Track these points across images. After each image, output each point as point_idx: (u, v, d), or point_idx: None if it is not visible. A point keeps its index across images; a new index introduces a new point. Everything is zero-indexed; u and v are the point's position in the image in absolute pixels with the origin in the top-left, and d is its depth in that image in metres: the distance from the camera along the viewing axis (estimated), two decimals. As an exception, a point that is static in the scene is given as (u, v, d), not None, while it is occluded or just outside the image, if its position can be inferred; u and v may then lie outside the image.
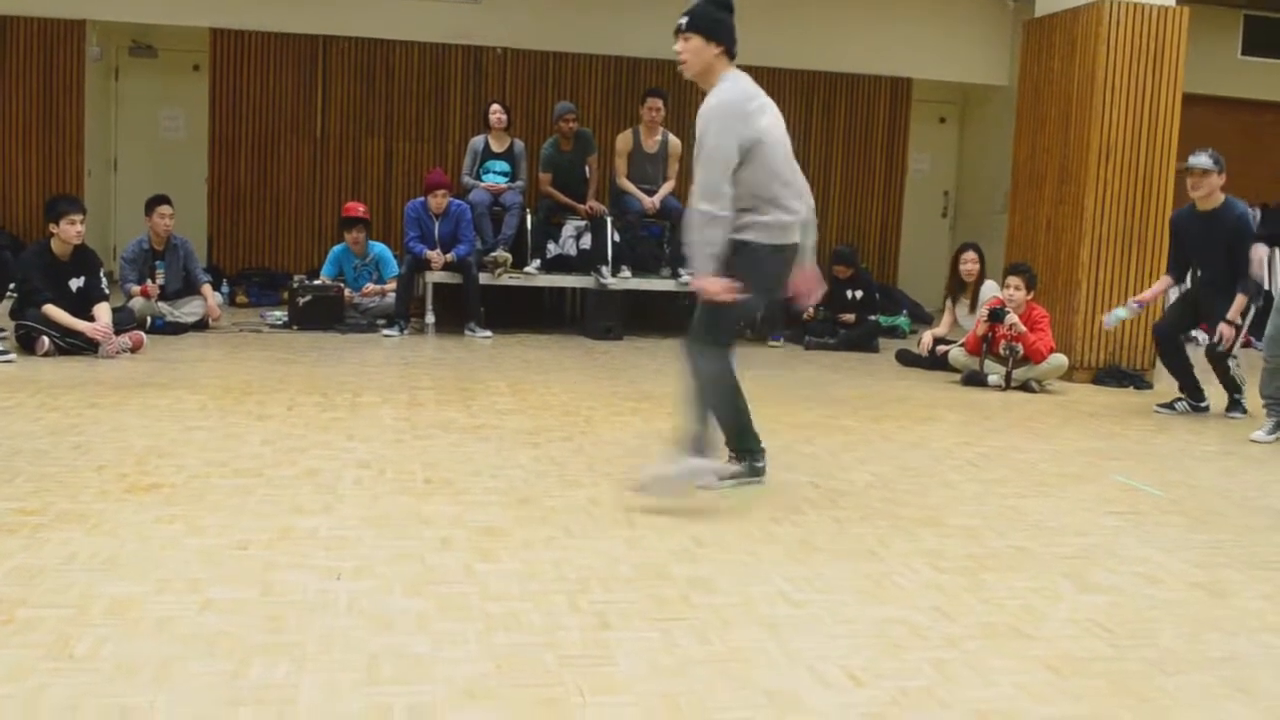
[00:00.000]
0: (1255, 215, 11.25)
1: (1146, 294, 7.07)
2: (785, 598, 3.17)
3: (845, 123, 12.20)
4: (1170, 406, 6.87)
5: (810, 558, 3.56)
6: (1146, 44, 8.00)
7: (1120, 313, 6.94)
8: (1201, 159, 6.67)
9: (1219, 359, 6.63)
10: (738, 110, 4.14)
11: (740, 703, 2.48)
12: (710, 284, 4.01)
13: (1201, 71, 9.93)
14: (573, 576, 3.24)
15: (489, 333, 8.76)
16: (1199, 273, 6.91)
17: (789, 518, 4.02)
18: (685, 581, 3.25)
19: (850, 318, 9.39)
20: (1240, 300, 6.51)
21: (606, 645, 2.75)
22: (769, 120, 4.26)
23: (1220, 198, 6.65)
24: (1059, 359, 7.53)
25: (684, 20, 4.25)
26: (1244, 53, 12.14)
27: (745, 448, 4.30)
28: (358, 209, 9.23)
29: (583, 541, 3.59)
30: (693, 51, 4.24)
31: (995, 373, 7.50)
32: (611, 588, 3.17)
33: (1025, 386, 7.48)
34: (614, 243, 9.48)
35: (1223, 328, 6.53)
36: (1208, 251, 6.70)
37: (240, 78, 10.93)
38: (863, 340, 9.19)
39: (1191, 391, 6.85)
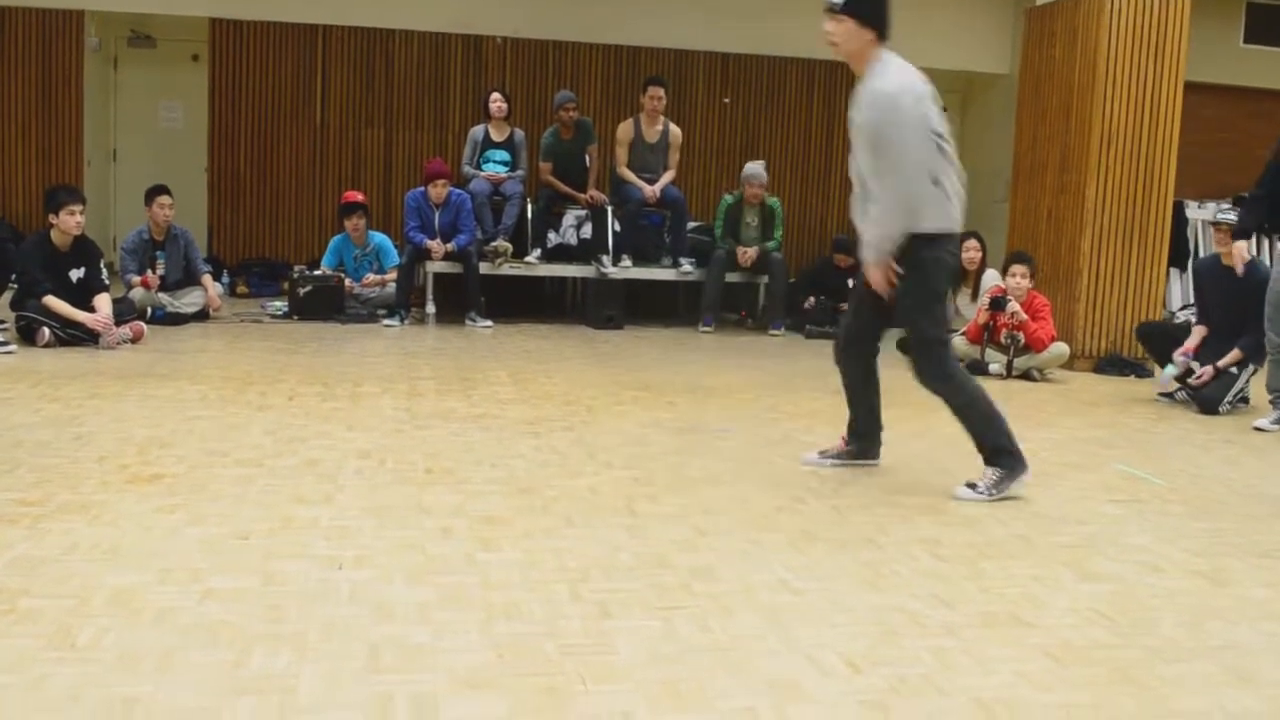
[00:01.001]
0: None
1: (1189, 345, 6.84)
2: (785, 586, 3.17)
3: (846, 112, 12.15)
4: (1170, 395, 6.87)
5: (811, 546, 3.56)
6: (1148, 32, 7.98)
7: (1170, 370, 6.86)
8: (1230, 216, 6.72)
9: (1210, 402, 6.53)
10: (918, 91, 4.09)
11: (740, 690, 2.49)
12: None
13: (1203, 60, 9.91)
14: (574, 566, 3.24)
15: (490, 322, 8.76)
16: (1208, 318, 6.85)
17: (790, 506, 4.02)
18: (686, 570, 3.25)
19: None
20: (1237, 354, 6.51)
21: (607, 634, 2.75)
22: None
23: (1246, 256, 6.64)
24: (1060, 348, 7.54)
25: (837, 1, 4.12)
26: (1246, 41, 12.10)
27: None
28: (357, 196, 9.23)
29: (584, 531, 3.60)
30: (845, 35, 4.15)
31: (997, 361, 7.50)
32: (612, 577, 3.17)
33: (1026, 375, 7.49)
34: (615, 232, 9.49)
35: (1206, 369, 6.52)
36: (1227, 304, 6.68)
37: (239, 68, 10.91)
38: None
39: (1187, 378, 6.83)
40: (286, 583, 2.99)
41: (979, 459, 4.30)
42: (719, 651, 2.69)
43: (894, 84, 4.10)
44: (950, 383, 4.30)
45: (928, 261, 4.18)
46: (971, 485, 4.24)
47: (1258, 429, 6.05)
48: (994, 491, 4.20)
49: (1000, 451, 4.25)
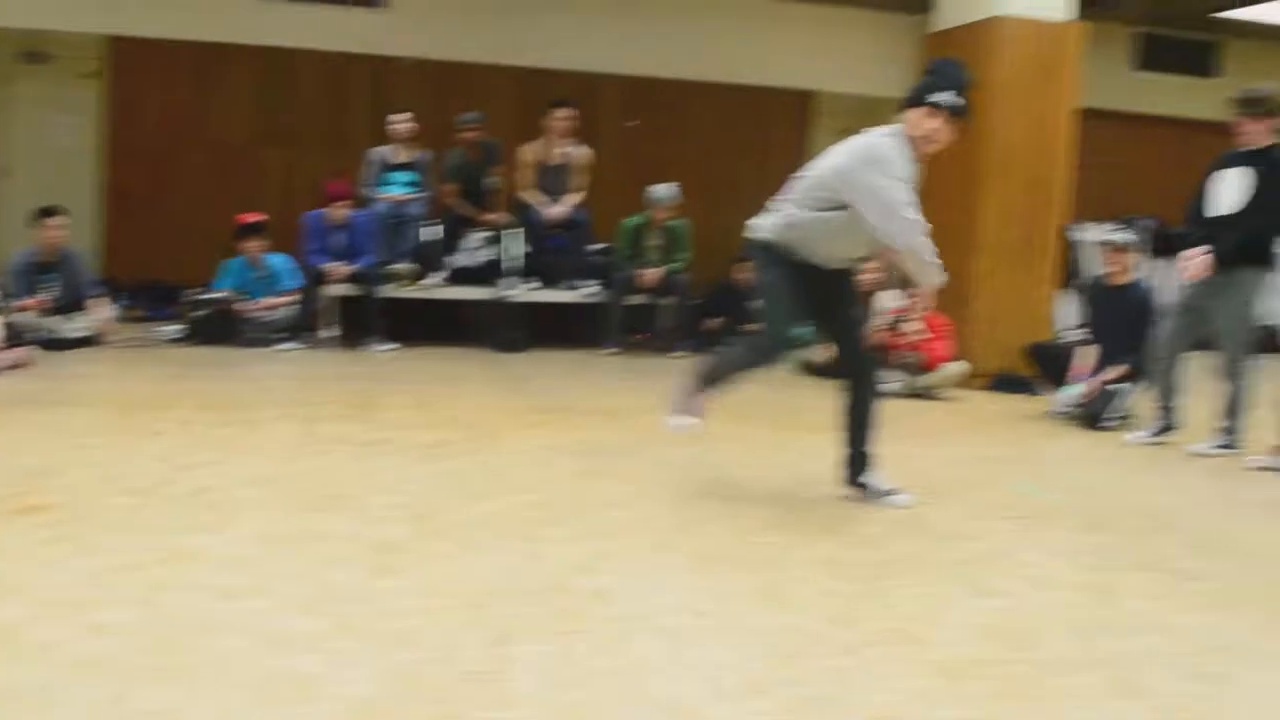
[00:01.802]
0: (1148, 227, 11.59)
1: (1083, 365, 6.96)
2: (686, 608, 3.18)
3: (749, 135, 12.29)
4: (1060, 414, 7.01)
5: (711, 568, 3.58)
6: (1041, 58, 8.18)
7: (1071, 391, 6.94)
8: (1120, 236, 6.90)
9: (1095, 418, 6.67)
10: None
11: (639, 715, 2.48)
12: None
13: (1095, 86, 10.17)
14: (472, 591, 3.21)
15: (391, 346, 8.67)
16: (1096, 336, 7.00)
17: (691, 528, 4.04)
18: (586, 594, 3.24)
19: (755, 328, 9.44)
20: (1123, 370, 6.68)
21: (505, 659, 2.73)
22: None
23: (1131, 276, 6.84)
24: (956, 367, 7.67)
25: (955, 104, 4.30)
26: (1136, 68, 12.48)
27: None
28: (255, 217, 9.09)
29: (483, 556, 3.57)
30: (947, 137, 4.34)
31: (894, 380, 7.61)
32: (511, 601, 3.15)
33: (923, 394, 7.61)
34: (519, 254, 9.46)
35: (1094, 381, 6.68)
36: (1113, 323, 6.84)
37: (138, 86, 10.68)
38: (804, 320, 9.23)
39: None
40: (176, 614, 2.92)
41: (833, 472, 4.45)
42: (618, 675, 2.69)
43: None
44: None
45: None
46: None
47: (1137, 442, 6.20)
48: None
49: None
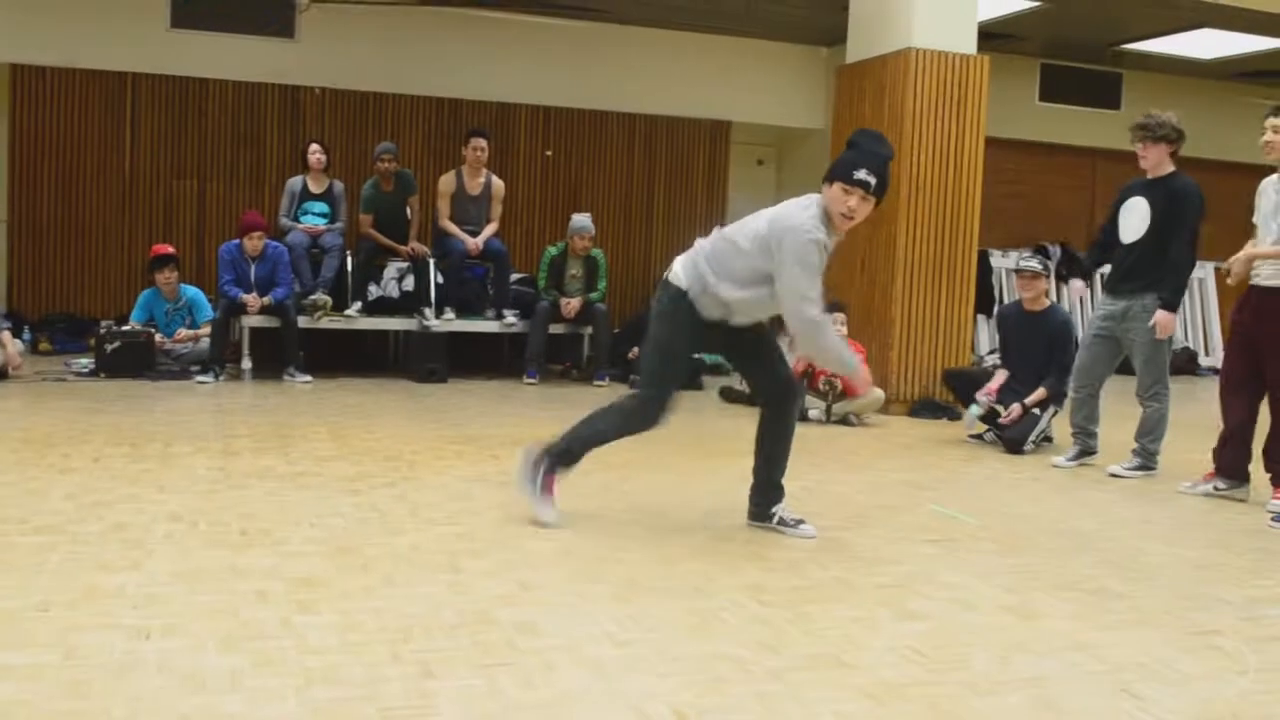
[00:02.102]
0: (1056, 253, 11.86)
1: (990, 386, 7.03)
2: (611, 638, 3.16)
3: (667, 164, 12.38)
4: (979, 437, 7.14)
5: (637, 597, 3.57)
6: (951, 89, 8.35)
7: (974, 410, 7.03)
8: (1032, 263, 7.03)
9: (1015, 442, 6.75)
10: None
11: (566, 747, 2.46)
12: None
13: (1003, 116, 10.41)
14: (394, 626, 3.17)
15: (309, 377, 8.56)
16: (1011, 361, 7.11)
17: (614, 556, 4.02)
18: (510, 626, 3.21)
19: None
20: (1042, 393, 6.80)
21: (429, 694, 2.70)
22: None
23: (1046, 302, 6.99)
24: (876, 393, 7.75)
25: (872, 183, 4.21)
26: (1041, 99, 12.80)
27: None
28: (167, 248, 8.94)
29: (405, 589, 3.52)
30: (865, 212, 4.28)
31: (815, 407, 7.67)
32: (434, 635, 3.11)
33: (845, 420, 7.68)
34: (437, 284, 9.40)
35: (1016, 406, 6.78)
36: (1029, 350, 6.96)
37: (42, 115, 10.47)
38: (687, 378, 9.27)
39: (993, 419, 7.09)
40: (89, 656, 2.84)
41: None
42: (544, 708, 2.66)
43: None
44: None
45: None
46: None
47: (1056, 466, 6.32)
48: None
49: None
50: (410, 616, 3.25)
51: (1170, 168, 6.01)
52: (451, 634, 3.13)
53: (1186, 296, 13.20)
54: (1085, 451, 6.40)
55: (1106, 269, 6.39)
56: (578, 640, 3.12)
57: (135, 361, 8.33)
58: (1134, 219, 6.08)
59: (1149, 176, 6.08)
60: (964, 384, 7.44)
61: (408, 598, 3.43)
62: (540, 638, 3.13)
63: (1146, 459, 6.13)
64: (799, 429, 4.66)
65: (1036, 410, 6.81)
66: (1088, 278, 6.66)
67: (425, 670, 2.84)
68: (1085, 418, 6.39)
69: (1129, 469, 6.10)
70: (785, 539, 4.40)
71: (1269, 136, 5.29)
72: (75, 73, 10.43)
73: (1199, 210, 5.91)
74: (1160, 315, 5.92)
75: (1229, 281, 5.61)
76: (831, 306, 7.85)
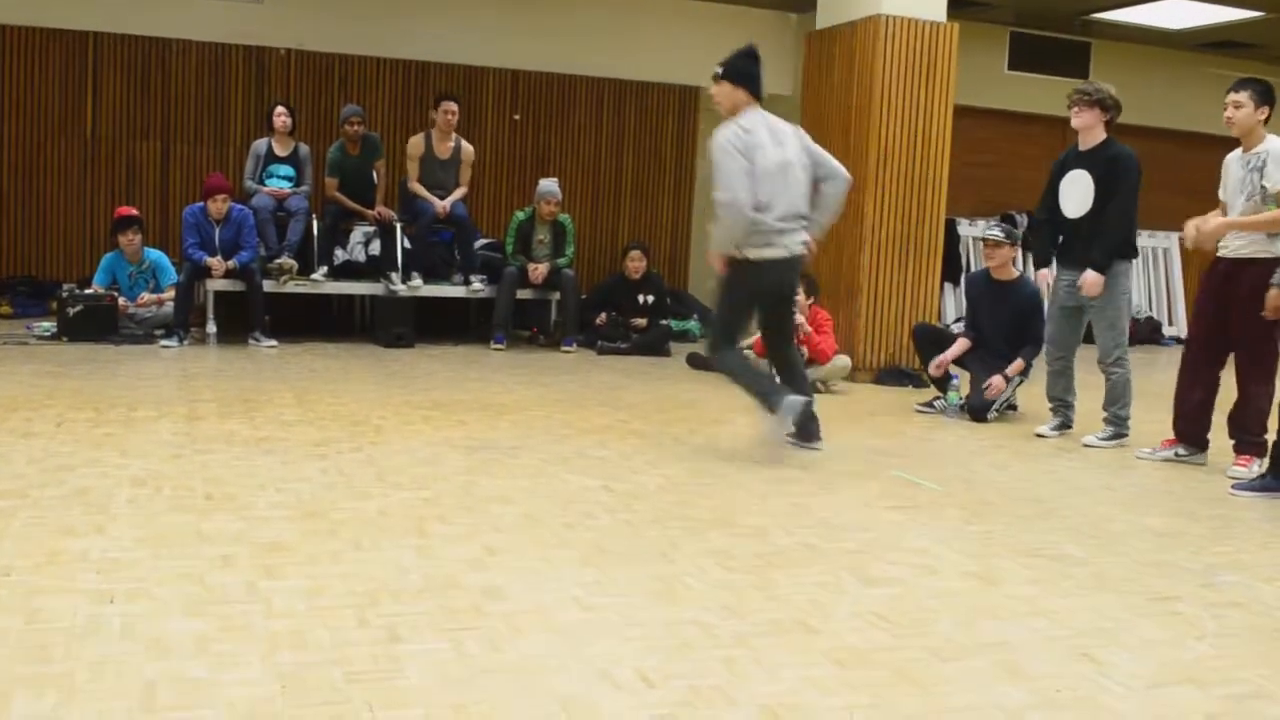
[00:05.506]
0: (1023, 222, 11.91)
1: (948, 354, 7.02)
2: (577, 603, 3.17)
3: (635, 130, 12.32)
4: (930, 405, 7.14)
5: (603, 562, 3.58)
6: (920, 57, 8.34)
7: (953, 398, 6.99)
8: (994, 231, 7.03)
9: (979, 410, 6.79)
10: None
11: (533, 710, 2.47)
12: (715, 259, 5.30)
13: (971, 84, 10.41)
14: (361, 590, 3.16)
15: (274, 342, 8.50)
16: (983, 330, 7.11)
17: (581, 522, 4.03)
18: (477, 590, 3.22)
19: (642, 322, 9.48)
20: (1019, 364, 6.82)
21: (396, 659, 2.70)
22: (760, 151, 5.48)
23: (1014, 271, 7.00)
24: (843, 360, 7.78)
25: (719, 69, 5.56)
26: (1010, 67, 12.80)
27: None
28: (130, 210, 8.84)
29: (371, 554, 3.52)
30: (723, 94, 5.62)
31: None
32: (401, 599, 3.11)
33: (811, 387, 7.70)
34: (404, 249, 9.34)
35: (996, 378, 6.79)
36: (997, 318, 6.98)
37: (2, 75, 10.30)
38: (655, 344, 9.29)
39: (941, 386, 7.11)
40: (52, 620, 2.82)
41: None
42: (511, 672, 2.67)
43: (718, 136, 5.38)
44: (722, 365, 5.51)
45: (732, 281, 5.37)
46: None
47: (1040, 435, 6.35)
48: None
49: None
50: (377, 581, 3.25)
51: (1103, 135, 6.06)
52: (418, 598, 3.13)
53: (1150, 267, 13.34)
54: (1064, 424, 6.44)
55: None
56: (544, 605, 3.13)
57: (98, 325, 8.24)
58: (1077, 191, 6.11)
59: (1080, 146, 6.13)
60: (928, 343, 7.31)
61: (374, 562, 3.43)
62: (507, 602, 3.13)
63: (1119, 425, 6.17)
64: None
65: (1006, 379, 6.83)
66: (1048, 264, 6.64)
67: (392, 634, 2.84)
68: (1064, 389, 6.43)
69: (1103, 439, 6.14)
70: (751, 504, 4.41)
71: (1230, 112, 5.35)
72: (36, 31, 10.26)
73: (1136, 176, 6.00)
74: (1087, 275, 5.99)
75: (1187, 245, 5.65)
76: (807, 286, 7.88)
